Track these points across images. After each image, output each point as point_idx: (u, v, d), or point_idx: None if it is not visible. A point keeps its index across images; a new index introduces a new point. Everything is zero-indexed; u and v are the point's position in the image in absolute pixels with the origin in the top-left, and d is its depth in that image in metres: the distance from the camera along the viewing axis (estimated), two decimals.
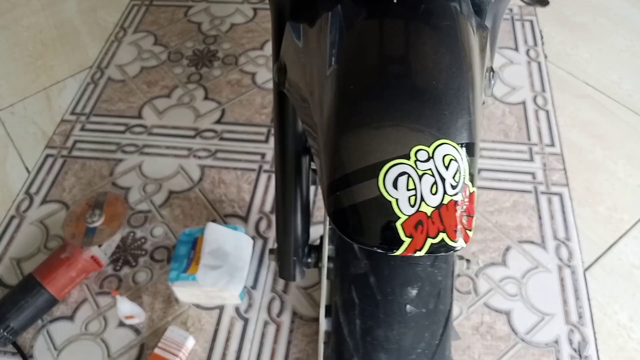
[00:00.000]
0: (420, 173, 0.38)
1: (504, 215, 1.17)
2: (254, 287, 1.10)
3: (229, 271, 1.03)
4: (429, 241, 0.38)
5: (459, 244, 0.38)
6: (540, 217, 1.17)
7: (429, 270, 0.42)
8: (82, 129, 1.39)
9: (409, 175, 0.38)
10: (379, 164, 0.38)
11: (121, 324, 1.06)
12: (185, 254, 1.07)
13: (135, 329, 1.06)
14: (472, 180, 0.39)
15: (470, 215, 0.38)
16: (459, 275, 1.09)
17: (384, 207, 0.38)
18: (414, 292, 0.42)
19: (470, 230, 0.39)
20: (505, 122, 1.34)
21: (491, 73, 0.54)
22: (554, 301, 1.05)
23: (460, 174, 0.38)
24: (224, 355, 1.02)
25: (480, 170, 1.25)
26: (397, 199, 0.38)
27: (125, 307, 1.03)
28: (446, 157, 0.39)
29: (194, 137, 1.35)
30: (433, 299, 0.42)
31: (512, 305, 1.05)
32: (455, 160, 0.38)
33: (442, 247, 0.38)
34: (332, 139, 0.40)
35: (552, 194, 1.20)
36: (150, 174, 1.29)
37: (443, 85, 0.40)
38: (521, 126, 1.33)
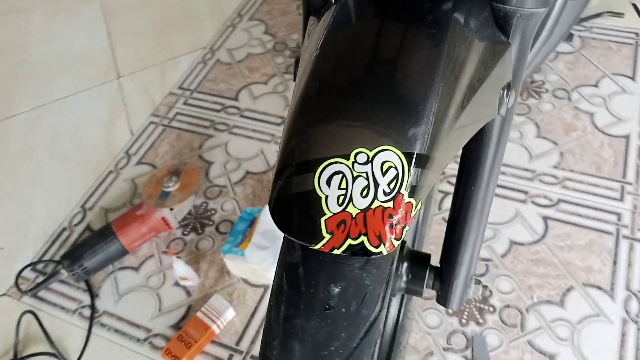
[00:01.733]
0: (355, 175, 0.38)
1: (574, 253, 1.09)
2: None
3: (275, 254, 1.07)
4: (349, 241, 0.38)
5: (379, 250, 0.38)
6: (615, 263, 1.06)
7: (357, 272, 0.42)
8: (185, 103, 1.51)
9: (344, 175, 0.39)
10: (319, 160, 0.39)
11: (176, 284, 1.15)
12: (242, 230, 1.13)
13: (187, 291, 1.14)
14: (413, 191, 0.38)
15: (400, 225, 0.38)
16: (473, 300, 1.04)
17: (313, 202, 0.39)
18: (336, 289, 0.42)
19: (397, 239, 0.38)
20: (601, 154, 1.23)
21: (506, 90, 0.51)
22: (609, 356, 0.96)
23: (397, 182, 0.38)
24: (257, 332, 1.06)
25: (559, 200, 1.16)
26: (327, 196, 0.38)
27: (180, 268, 1.11)
28: (385, 164, 0.39)
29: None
30: (355, 301, 0.42)
31: (560, 349, 0.97)
32: (395, 168, 0.38)
33: (361, 250, 0.38)
34: (286, 128, 0.42)
35: (636, 240, 1.09)
36: (233, 153, 1.37)
37: (405, 91, 0.40)
38: (618, 161, 1.21)
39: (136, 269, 1.19)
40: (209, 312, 1.08)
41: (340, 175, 0.38)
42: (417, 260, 0.72)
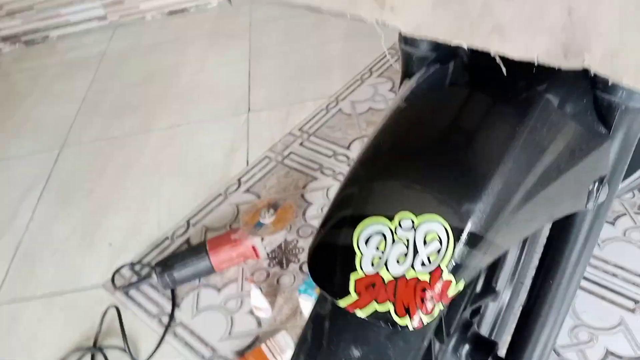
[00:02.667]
0: (396, 239, 0.37)
1: None
2: None
3: None
4: (375, 306, 0.36)
5: (405, 322, 0.36)
6: None
7: (382, 340, 0.39)
8: (300, 144, 1.58)
9: (384, 237, 0.38)
10: (362, 216, 0.39)
11: (250, 312, 1.18)
12: None
13: (258, 321, 1.16)
14: (456, 270, 0.36)
15: (434, 302, 0.36)
16: None
17: (348, 258, 0.38)
18: (356, 353, 0.39)
19: (428, 315, 0.36)
20: None
21: (597, 184, 0.47)
22: None
23: (438, 255, 0.36)
24: None
25: None
26: (362, 255, 0.38)
27: (256, 297, 1.14)
28: (430, 234, 0.37)
29: None
30: None
31: None
32: (439, 240, 0.37)
33: (386, 318, 0.36)
34: (344, 178, 0.42)
35: None
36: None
37: (470, 165, 0.39)
38: None
39: (219, 289, 1.24)
40: (272, 347, 1.08)
41: (380, 236, 0.38)
42: (481, 345, 0.68)
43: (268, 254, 1.29)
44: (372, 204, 0.39)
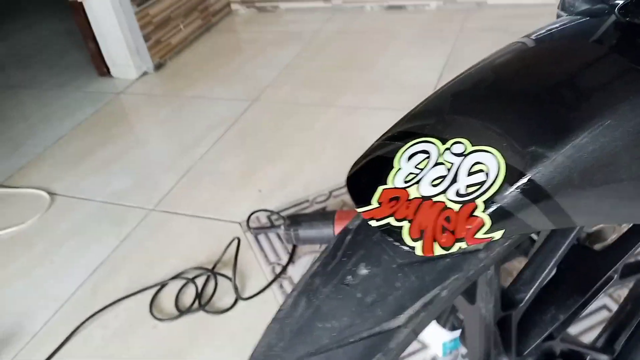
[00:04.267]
0: (440, 161, 0.34)
1: None
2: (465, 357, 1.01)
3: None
4: (390, 219, 0.33)
5: (413, 244, 0.32)
6: None
7: (393, 267, 0.34)
8: None
9: (429, 157, 0.34)
10: (416, 134, 0.36)
11: None
12: None
13: None
14: (496, 213, 0.31)
15: (455, 235, 0.32)
16: None
17: (385, 169, 0.36)
18: (364, 271, 0.35)
19: (443, 248, 0.32)
20: None
21: None
22: None
23: (479, 189, 0.32)
24: None
25: None
26: (399, 169, 0.35)
27: None
28: (477, 165, 0.33)
29: None
30: (375, 294, 0.35)
31: None
32: (486, 173, 0.32)
33: (397, 234, 0.33)
34: (419, 103, 0.40)
35: None
36: None
37: (556, 116, 0.33)
38: None
39: None
40: None
41: (426, 155, 0.35)
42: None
43: None
44: (431, 126, 0.36)
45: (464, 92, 0.38)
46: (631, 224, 0.59)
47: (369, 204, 0.35)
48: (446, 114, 0.37)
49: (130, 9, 2.17)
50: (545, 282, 0.51)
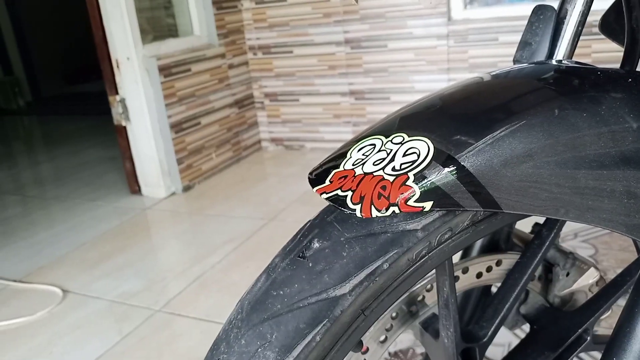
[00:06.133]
0: (382, 148, 0.40)
1: None
2: None
3: None
4: (338, 192, 0.39)
5: (355, 208, 0.38)
6: None
7: (342, 240, 0.38)
8: None
9: (374, 147, 0.41)
10: (368, 135, 0.43)
11: None
12: None
13: None
14: (427, 187, 0.36)
15: (388, 199, 0.37)
16: None
17: (339, 159, 0.42)
18: (316, 244, 0.38)
19: (378, 210, 0.37)
20: None
21: None
22: None
23: (410, 164, 0.38)
24: None
25: None
26: (350, 157, 0.42)
27: None
28: (411, 149, 0.39)
29: None
30: (324, 262, 0.36)
31: None
32: (417, 154, 0.38)
33: (342, 203, 0.38)
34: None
35: None
36: None
37: (482, 115, 0.40)
38: None
39: None
40: None
41: (372, 146, 0.42)
42: None
43: None
44: (379, 129, 0.43)
45: (412, 109, 0.45)
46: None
47: (323, 182, 0.41)
48: (393, 122, 0.44)
49: (169, 134, 2.38)
50: (506, 317, 0.52)
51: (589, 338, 0.59)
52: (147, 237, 2.06)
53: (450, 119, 0.41)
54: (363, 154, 0.41)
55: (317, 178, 0.42)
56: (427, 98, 0.46)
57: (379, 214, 0.37)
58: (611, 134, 0.40)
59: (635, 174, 0.40)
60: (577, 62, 0.47)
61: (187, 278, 1.69)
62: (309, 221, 0.45)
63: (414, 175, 0.37)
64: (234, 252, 1.83)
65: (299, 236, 0.43)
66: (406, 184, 0.37)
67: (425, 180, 0.37)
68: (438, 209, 0.38)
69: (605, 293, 0.59)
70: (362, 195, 0.38)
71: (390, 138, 0.41)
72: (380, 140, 0.42)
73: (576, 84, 0.43)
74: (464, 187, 0.37)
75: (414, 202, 0.37)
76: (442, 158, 0.38)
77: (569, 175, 0.39)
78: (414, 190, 0.37)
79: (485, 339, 0.51)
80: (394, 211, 0.37)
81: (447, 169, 0.37)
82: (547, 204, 0.39)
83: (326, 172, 0.42)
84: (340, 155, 0.43)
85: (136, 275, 1.75)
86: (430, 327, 0.53)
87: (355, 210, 0.38)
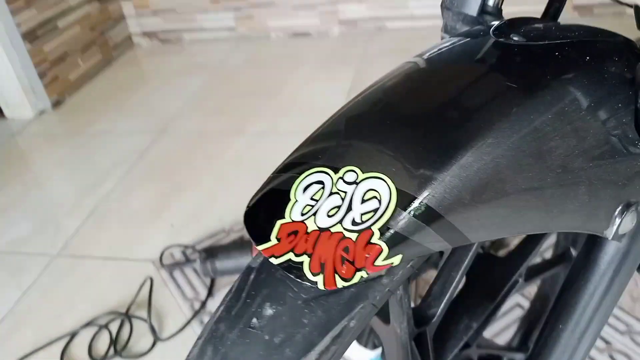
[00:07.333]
0: (334, 190, 0.34)
1: None
2: None
3: None
4: (290, 255, 0.33)
5: (315, 279, 0.32)
6: None
7: (299, 304, 0.34)
8: None
9: (323, 187, 0.35)
10: (310, 165, 0.36)
11: None
12: None
13: None
14: (392, 239, 0.32)
15: (354, 266, 0.32)
16: None
17: (281, 203, 0.35)
18: (269, 311, 0.35)
19: (344, 279, 0.32)
20: None
21: (623, 209, 0.40)
22: None
23: (373, 216, 0.32)
24: None
25: None
26: (296, 202, 0.35)
27: None
28: (370, 192, 0.33)
29: None
30: (283, 335, 0.34)
31: None
32: (379, 200, 0.32)
33: (297, 271, 0.33)
34: (310, 134, 0.40)
35: None
36: None
37: (443, 137, 0.34)
38: None
39: None
40: None
41: (321, 186, 0.35)
42: None
43: None
44: (323, 157, 0.36)
45: (355, 117, 0.39)
46: None
47: (269, 240, 0.34)
48: (338, 141, 0.37)
49: (22, 45, 2.05)
50: (454, 294, 0.52)
51: (521, 280, 0.61)
52: (25, 169, 1.84)
53: (406, 139, 0.35)
54: (311, 197, 0.34)
55: (257, 228, 0.35)
56: (373, 98, 0.39)
57: (345, 284, 0.32)
58: (574, 131, 0.36)
59: (596, 171, 0.38)
60: (514, 30, 0.42)
61: (81, 213, 1.56)
62: (249, 266, 0.38)
63: (379, 230, 0.32)
64: (127, 176, 1.70)
65: (243, 296, 0.37)
66: (371, 241, 0.32)
67: (392, 233, 0.32)
68: (407, 259, 0.33)
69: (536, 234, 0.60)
70: (322, 261, 0.32)
71: (340, 174, 0.34)
72: (328, 177, 0.35)
73: (534, 71, 0.38)
74: (432, 230, 0.33)
75: (382, 260, 0.32)
76: (406, 202, 0.32)
77: (537, 189, 0.35)
78: (381, 248, 0.32)
79: (434, 319, 0.51)
80: (361, 276, 0.32)
81: (413, 215, 0.32)
82: (513, 225, 0.36)
83: (269, 222, 0.35)
84: (281, 195, 0.36)
85: (23, 217, 1.58)
86: (381, 312, 0.51)
87: (316, 282, 0.32)
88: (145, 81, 2.37)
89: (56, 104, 2.20)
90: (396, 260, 0.32)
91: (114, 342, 1.14)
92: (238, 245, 1.25)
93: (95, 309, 1.23)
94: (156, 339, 1.13)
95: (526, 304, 1.09)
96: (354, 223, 0.33)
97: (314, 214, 0.34)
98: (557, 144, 0.36)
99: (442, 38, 0.49)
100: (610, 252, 0.46)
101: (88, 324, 1.19)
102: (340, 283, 0.32)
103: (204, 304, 1.20)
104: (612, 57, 0.40)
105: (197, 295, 1.23)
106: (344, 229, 0.32)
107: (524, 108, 0.35)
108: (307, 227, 0.33)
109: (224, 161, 1.71)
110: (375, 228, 0.32)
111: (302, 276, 0.32)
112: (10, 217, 1.59)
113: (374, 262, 0.32)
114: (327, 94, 2.00)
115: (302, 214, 0.34)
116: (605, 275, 0.47)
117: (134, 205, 1.57)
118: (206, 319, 1.17)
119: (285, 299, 0.35)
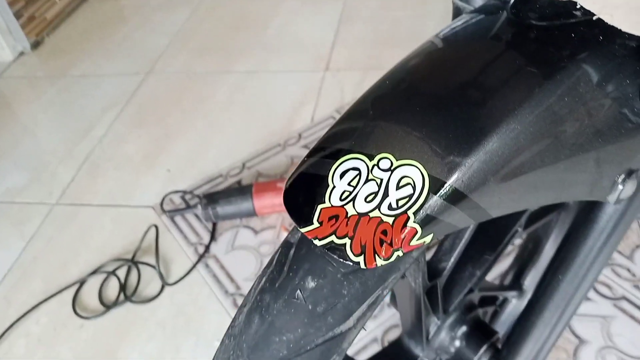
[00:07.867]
0: (370, 177, 0.36)
1: None
2: None
3: None
4: (332, 237, 0.36)
5: (358, 259, 0.35)
6: None
7: (338, 277, 0.38)
8: None
9: (360, 174, 0.37)
10: (346, 151, 0.38)
11: None
12: None
13: None
14: (425, 220, 0.34)
15: (392, 247, 0.34)
16: None
17: (321, 188, 0.37)
18: (312, 283, 0.38)
19: (384, 259, 0.35)
20: None
21: (624, 177, 0.43)
22: None
23: (408, 201, 0.35)
24: None
25: None
26: (334, 187, 0.37)
27: None
28: (404, 179, 0.35)
29: None
30: (325, 304, 0.38)
31: None
32: (413, 186, 0.35)
33: (340, 252, 0.35)
34: (340, 117, 0.41)
35: None
36: None
37: (467, 120, 0.36)
38: None
39: (256, 232, 1.26)
40: None
41: (357, 172, 0.37)
42: (480, 330, 0.65)
43: None
44: (357, 142, 0.38)
45: (384, 98, 0.40)
46: None
47: (311, 223, 0.37)
48: (369, 124, 0.38)
49: None
50: (463, 248, 0.55)
51: (520, 229, 0.64)
52: (11, 117, 1.82)
53: (436, 124, 0.37)
54: (348, 184, 0.37)
55: (298, 211, 0.37)
56: (399, 79, 0.40)
57: (384, 263, 0.35)
58: (587, 110, 0.38)
59: (604, 144, 0.40)
60: (530, 6, 0.43)
61: (76, 160, 1.57)
62: (288, 241, 0.41)
63: (413, 214, 0.34)
64: (117, 121, 1.69)
65: (285, 269, 0.40)
66: (407, 224, 0.34)
67: (425, 216, 0.34)
68: (438, 237, 0.36)
69: None
70: (363, 244, 0.35)
71: (375, 162, 0.36)
72: (363, 163, 0.37)
73: (549, 51, 0.39)
74: (460, 210, 0.35)
75: (416, 240, 0.35)
76: (437, 186, 0.35)
77: (552, 165, 0.38)
78: (416, 230, 0.34)
79: (445, 272, 0.54)
80: (398, 255, 0.35)
81: (443, 199, 0.35)
82: (529, 199, 0.39)
83: (310, 206, 0.37)
84: (319, 180, 0.38)
85: (15, 167, 1.58)
86: None
87: (359, 262, 0.35)
88: (126, 17, 2.29)
89: (35, 44, 2.14)
90: (428, 239, 0.35)
91: (123, 287, 1.18)
92: (238, 191, 1.27)
93: (101, 256, 1.26)
94: (164, 283, 1.18)
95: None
96: (390, 208, 0.35)
97: (353, 200, 0.36)
98: (571, 123, 0.38)
99: (454, 5, 0.50)
100: (608, 212, 0.49)
101: (95, 271, 1.23)
102: (379, 262, 0.35)
103: (207, 248, 1.24)
104: (622, 34, 0.41)
105: (201, 240, 1.27)
106: (382, 214, 0.35)
107: (543, 92, 0.37)
108: (347, 212, 0.36)
109: (215, 103, 1.70)
110: (410, 212, 0.34)
111: (346, 257, 0.35)
112: (3, 166, 1.59)
113: (409, 242, 0.35)
114: (314, 28, 1.96)
115: (341, 199, 0.36)
116: (603, 233, 0.50)
117: (128, 151, 1.57)
118: (211, 262, 1.21)
119: (325, 273, 0.38)
